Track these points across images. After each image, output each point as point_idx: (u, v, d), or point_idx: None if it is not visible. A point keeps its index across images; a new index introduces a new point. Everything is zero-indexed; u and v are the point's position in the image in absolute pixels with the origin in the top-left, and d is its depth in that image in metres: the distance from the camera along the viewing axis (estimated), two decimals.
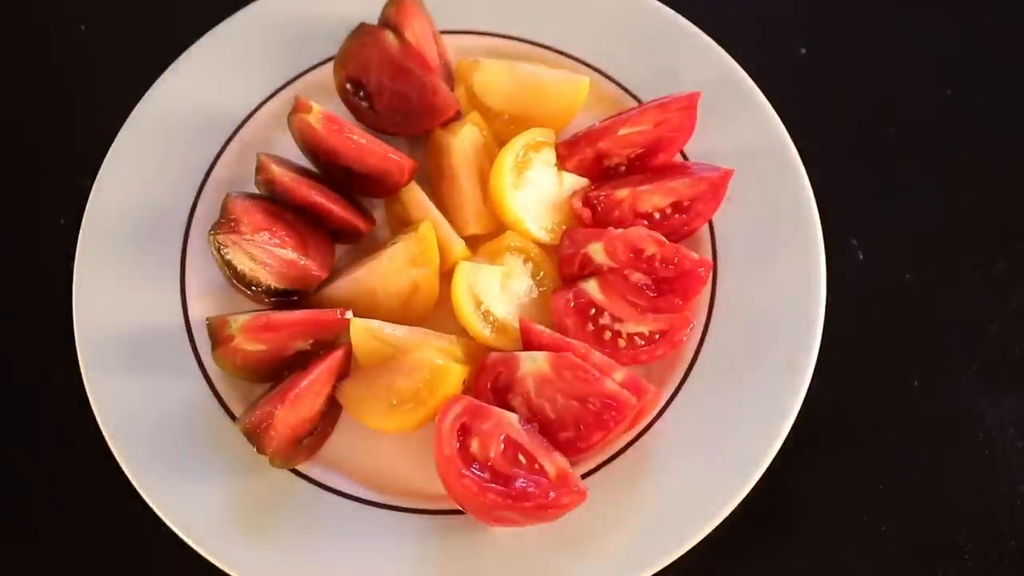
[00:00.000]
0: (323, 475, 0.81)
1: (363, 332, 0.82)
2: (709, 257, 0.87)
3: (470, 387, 0.81)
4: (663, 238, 0.85)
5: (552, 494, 0.73)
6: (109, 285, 0.87)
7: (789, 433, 0.78)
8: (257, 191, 0.87)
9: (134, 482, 0.78)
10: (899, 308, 0.93)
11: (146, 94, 0.95)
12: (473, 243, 0.89)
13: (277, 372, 0.83)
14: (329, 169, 0.89)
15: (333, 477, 0.81)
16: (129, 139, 0.93)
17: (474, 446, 0.75)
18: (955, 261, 0.95)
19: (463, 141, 0.90)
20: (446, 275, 0.86)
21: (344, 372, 0.84)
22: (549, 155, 0.91)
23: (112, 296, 0.86)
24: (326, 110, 0.87)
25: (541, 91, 0.93)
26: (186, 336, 0.86)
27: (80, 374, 0.82)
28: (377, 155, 0.87)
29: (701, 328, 0.84)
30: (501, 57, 0.95)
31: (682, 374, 0.83)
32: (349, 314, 0.83)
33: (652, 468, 0.79)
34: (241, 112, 0.95)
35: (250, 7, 0.99)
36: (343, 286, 0.86)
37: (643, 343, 0.83)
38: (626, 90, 0.95)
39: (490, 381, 0.81)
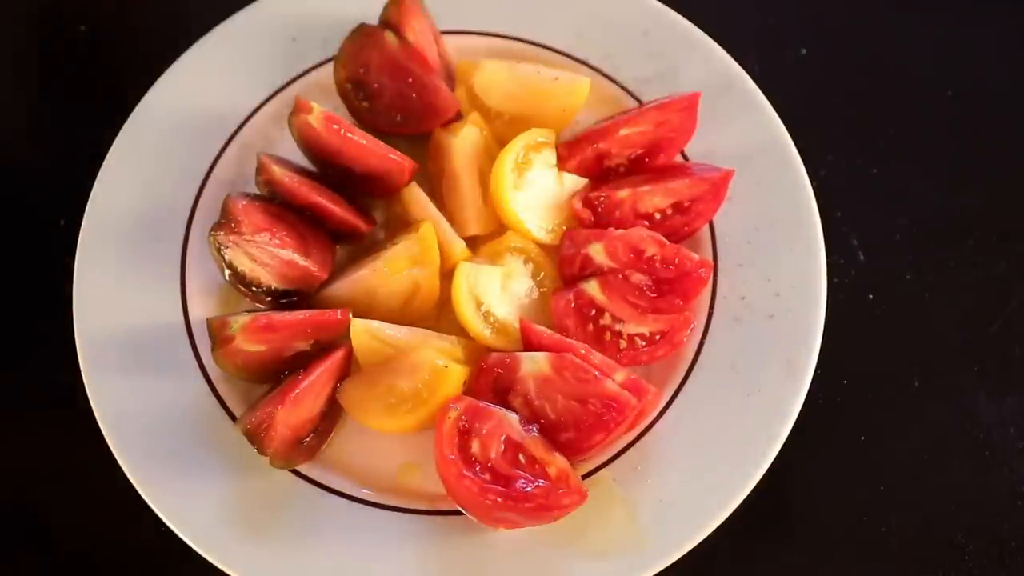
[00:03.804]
0: (323, 476, 0.81)
1: (363, 333, 0.82)
2: (710, 258, 0.87)
3: (470, 388, 0.81)
4: (664, 239, 0.85)
5: (553, 495, 0.73)
6: (109, 285, 0.87)
7: (789, 433, 0.78)
8: (257, 191, 0.87)
9: (134, 482, 0.78)
10: (899, 308, 0.93)
11: (146, 94, 0.94)
12: (473, 244, 0.89)
13: (277, 373, 0.83)
14: (329, 169, 0.89)
15: (333, 478, 0.81)
16: (129, 139, 0.93)
17: (475, 447, 0.75)
18: (955, 261, 0.95)
19: (463, 141, 0.90)
20: (446, 276, 0.86)
21: (344, 373, 0.84)
22: (549, 156, 0.91)
23: (112, 296, 0.86)
24: (326, 110, 0.87)
25: (541, 91, 0.93)
26: (186, 336, 0.85)
27: (80, 374, 0.82)
28: (377, 155, 0.87)
29: (701, 329, 0.84)
30: (501, 57, 0.95)
31: (683, 375, 0.83)
32: (349, 315, 0.83)
33: (652, 469, 0.79)
34: (241, 112, 0.95)
35: (250, 7, 0.99)
36: (343, 287, 0.86)
37: (643, 344, 0.83)
38: (626, 90, 0.95)
39: (491, 382, 0.81)
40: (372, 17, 0.94)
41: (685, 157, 0.92)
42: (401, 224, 0.91)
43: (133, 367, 0.83)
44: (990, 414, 0.88)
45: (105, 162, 0.91)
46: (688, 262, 0.84)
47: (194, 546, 0.76)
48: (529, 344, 0.83)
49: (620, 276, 0.85)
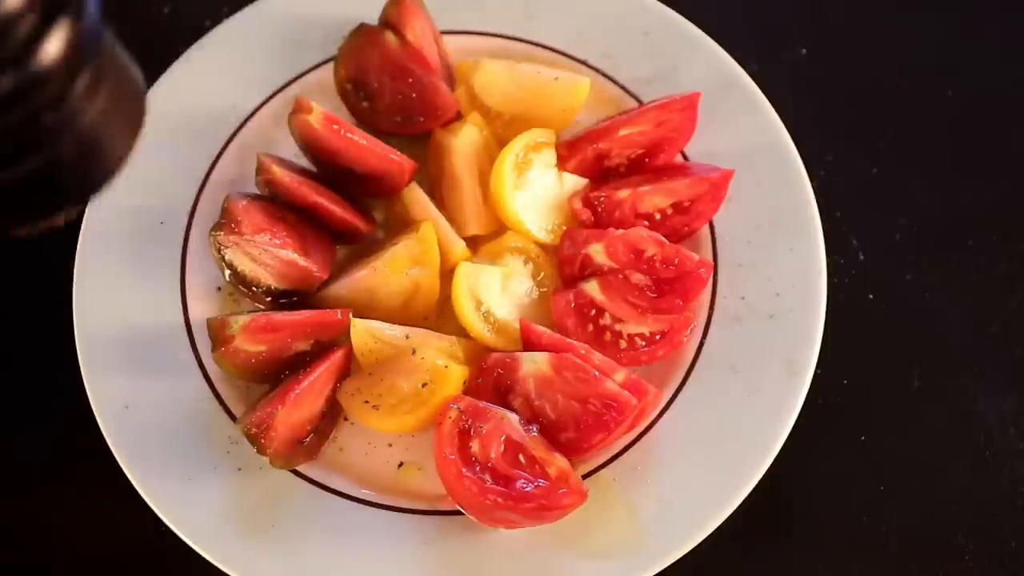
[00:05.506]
0: (323, 475, 0.81)
1: (363, 333, 0.82)
2: (710, 258, 0.87)
3: (471, 388, 0.81)
4: (664, 239, 0.85)
5: (553, 495, 0.73)
6: (109, 285, 0.87)
7: (789, 433, 0.78)
8: (257, 191, 0.87)
9: (134, 482, 0.78)
10: (899, 308, 0.93)
11: (146, 94, 0.94)
12: (473, 244, 0.89)
13: (277, 373, 0.83)
14: (329, 169, 0.89)
15: (333, 477, 0.81)
16: None
17: (475, 447, 0.75)
18: (955, 261, 0.95)
19: (463, 142, 0.90)
20: (446, 276, 0.86)
21: (345, 372, 0.84)
22: (550, 156, 0.90)
23: (112, 296, 0.86)
24: (326, 110, 0.87)
25: (541, 91, 0.93)
26: (186, 336, 0.85)
27: (80, 374, 0.82)
28: (377, 156, 0.87)
29: (701, 329, 0.84)
30: (501, 57, 0.95)
31: (683, 375, 0.83)
32: (349, 315, 0.83)
33: (652, 469, 0.79)
34: (241, 112, 0.95)
35: (250, 7, 0.99)
36: (343, 287, 0.86)
37: (643, 344, 0.83)
38: (626, 90, 0.95)
39: (491, 382, 0.81)
40: (372, 17, 0.94)
41: (685, 157, 0.92)
42: (401, 224, 0.91)
43: (133, 367, 0.83)
44: (990, 414, 0.88)
45: None
46: (688, 262, 0.84)
47: (194, 546, 0.76)
48: (529, 344, 0.83)
49: (620, 276, 0.85)
